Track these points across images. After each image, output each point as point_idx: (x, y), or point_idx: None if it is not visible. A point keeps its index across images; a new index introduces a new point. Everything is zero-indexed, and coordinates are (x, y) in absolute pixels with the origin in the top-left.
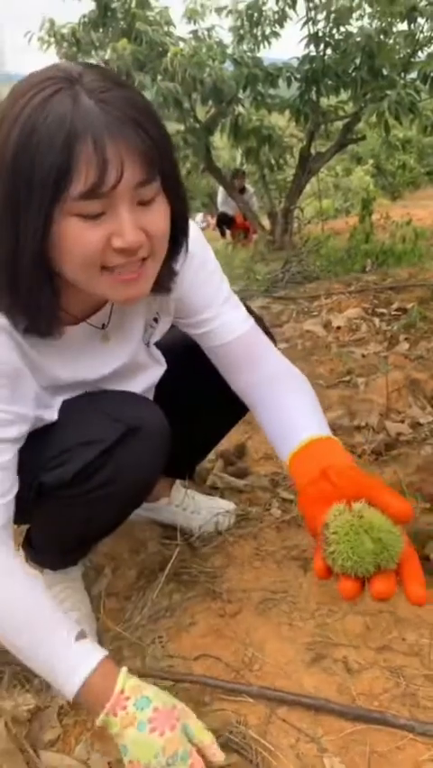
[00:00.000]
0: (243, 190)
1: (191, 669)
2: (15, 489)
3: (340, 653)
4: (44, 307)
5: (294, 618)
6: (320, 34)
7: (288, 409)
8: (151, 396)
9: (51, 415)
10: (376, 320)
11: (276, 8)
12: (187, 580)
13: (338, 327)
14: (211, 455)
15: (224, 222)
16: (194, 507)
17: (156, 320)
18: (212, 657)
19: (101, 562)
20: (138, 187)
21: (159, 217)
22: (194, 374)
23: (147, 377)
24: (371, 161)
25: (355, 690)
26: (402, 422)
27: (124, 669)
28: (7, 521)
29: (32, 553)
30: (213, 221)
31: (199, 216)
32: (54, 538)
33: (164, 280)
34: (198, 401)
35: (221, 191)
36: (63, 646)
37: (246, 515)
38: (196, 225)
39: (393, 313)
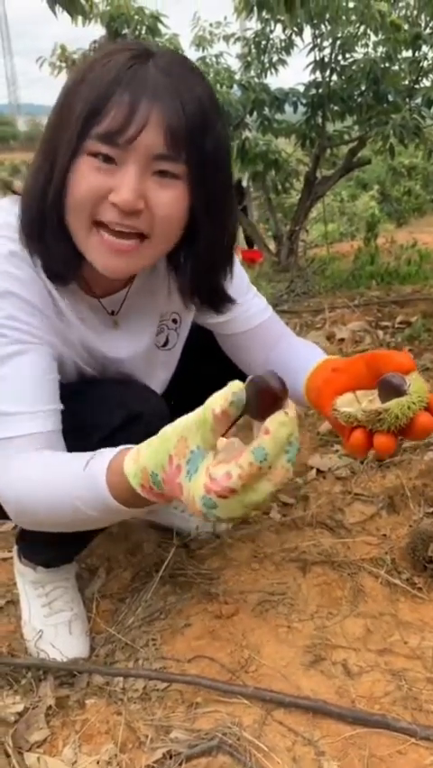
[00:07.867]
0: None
1: (185, 671)
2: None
3: (340, 655)
4: (63, 251)
5: (292, 620)
6: (326, 60)
7: (298, 358)
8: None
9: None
10: (380, 332)
11: (283, 36)
12: (182, 582)
13: (342, 339)
14: None
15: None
16: None
17: (175, 321)
18: (207, 659)
19: (95, 564)
20: (158, 159)
21: (170, 199)
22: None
23: (162, 376)
24: (376, 188)
25: (355, 693)
26: None
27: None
28: (54, 427)
29: (25, 549)
30: None
31: None
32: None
33: (213, 300)
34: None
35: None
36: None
37: (245, 518)
38: None
39: (397, 326)
